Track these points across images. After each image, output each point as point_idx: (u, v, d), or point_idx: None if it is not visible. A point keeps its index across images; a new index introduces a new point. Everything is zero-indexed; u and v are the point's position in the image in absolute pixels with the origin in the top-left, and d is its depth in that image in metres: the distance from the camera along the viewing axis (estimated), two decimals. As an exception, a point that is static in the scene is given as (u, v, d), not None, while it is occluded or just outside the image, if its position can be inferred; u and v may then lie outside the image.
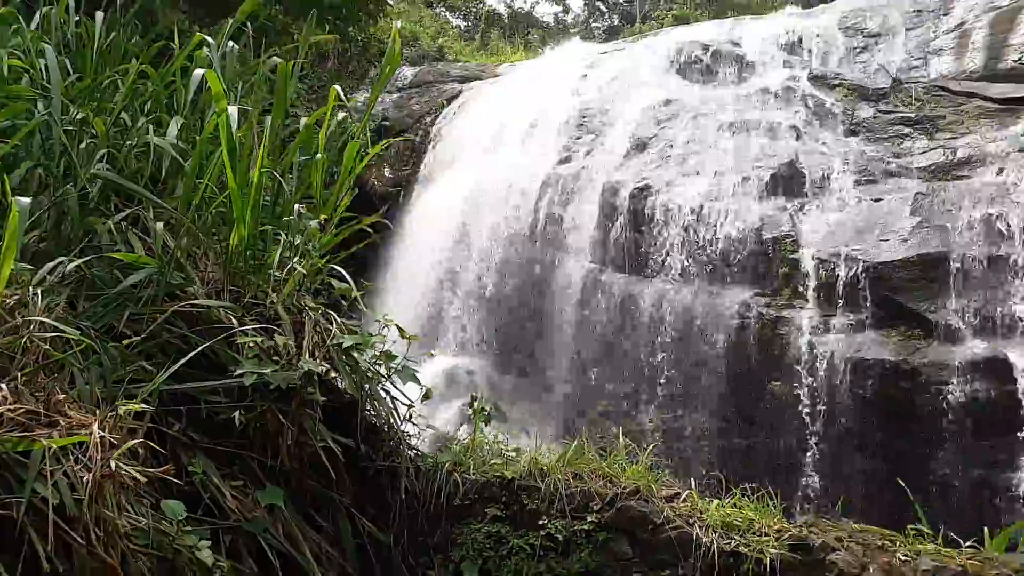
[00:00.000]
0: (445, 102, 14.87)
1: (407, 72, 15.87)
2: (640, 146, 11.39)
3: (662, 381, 9.51)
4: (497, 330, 11.34)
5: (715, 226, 9.85)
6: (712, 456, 8.95)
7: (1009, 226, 8.33)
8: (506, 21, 25.01)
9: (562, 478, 3.62)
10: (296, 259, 3.64)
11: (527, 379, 11.00)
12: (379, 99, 15.34)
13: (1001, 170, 8.99)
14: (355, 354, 3.56)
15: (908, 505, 7.79)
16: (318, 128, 3.89)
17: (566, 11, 31.10)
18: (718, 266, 9.70)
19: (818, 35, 12.50)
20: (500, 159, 12.67)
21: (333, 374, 3.47)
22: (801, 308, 8.96)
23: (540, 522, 3.59)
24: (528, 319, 11.17)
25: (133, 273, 3.42)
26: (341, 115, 3.79)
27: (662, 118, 11.62)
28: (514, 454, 3.86)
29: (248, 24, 4.58)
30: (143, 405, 2.98)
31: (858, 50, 12.14)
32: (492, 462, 3.83)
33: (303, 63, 14.21)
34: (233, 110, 3.44)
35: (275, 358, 3.49)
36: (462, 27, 23.57)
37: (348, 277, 3.73)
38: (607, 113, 12.30)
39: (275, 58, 3.73)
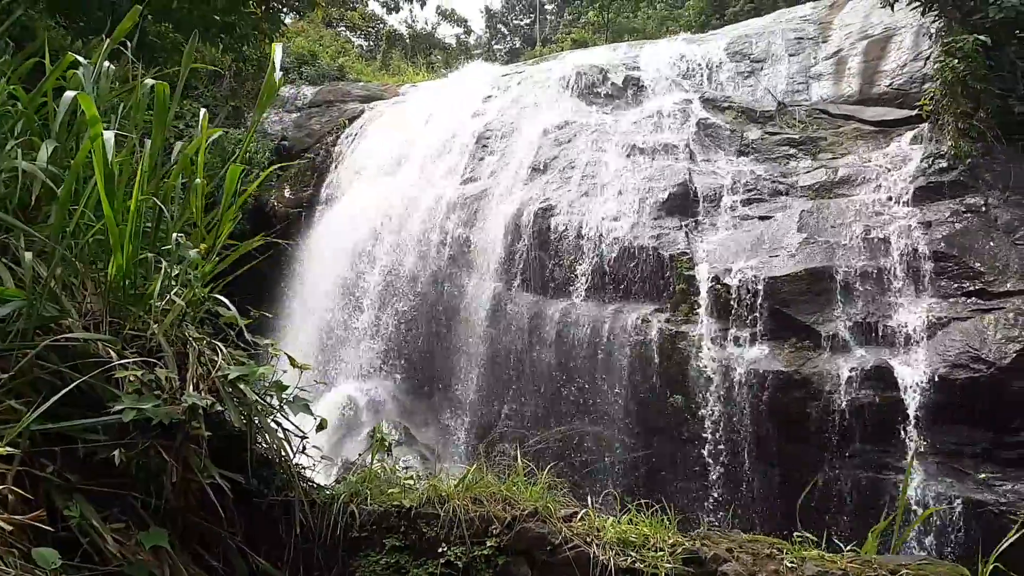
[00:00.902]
0: (347, 121, 14.73)
1: (307, 91, 15.66)
2: (542, 167, 11.57)
3: (568, 398, 9.62)
4: (405, 352, 11.23)
5: (615, 244, 10.07)
6: (618, 470, 9.09)
7: (887, 240, 8.85)
8: (408, 42, 25.03)
9: (461, 504, 3.59)
10: (177, 288, 3.49)
11: (436, 401, 10.92)
12: (279, 118, 15.06)
13: (878, 188, 9.56)
14: (242, 386, 3.43)
15: (804, 510, 8.15)
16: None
17: (468, 33, 31.41)
18: (619, 283, 9.91)
19: (708, 60, 13.04)
20: (404, 179, 12.63)
21: (219, 407, 3.34)
22: (698, 323, 9.23)
23: (440, 550, 3.54)
24: (436, 340, 11.11)
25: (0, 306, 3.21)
26: (216, 134, 3.65)
27: (563, 140, 11.85)
28: (412, 482, 3.81)
29: (128, 42, 4.38)
30: (9, 448, 2.78)
31: (745, 74, 12.74)
32: (390, 491, 3.77)
33: (197, 82, 13.73)
34: (109, 134, 3.29)
35: (157, 392, 3.33)
36: (363, 47, 23.42)
37: (231, 306, 3.60)
38: (510, 135, 12.45)
39: (149, 80, 3.58)
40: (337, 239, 12.23)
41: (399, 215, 11.85)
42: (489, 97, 13.82)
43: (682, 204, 10.24)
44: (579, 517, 3.61)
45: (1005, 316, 7.85)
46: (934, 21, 10.14)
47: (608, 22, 23.85)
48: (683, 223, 10.06)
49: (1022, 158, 8.93)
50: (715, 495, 8.57)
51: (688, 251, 9.68)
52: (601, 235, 10.22)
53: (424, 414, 10.94)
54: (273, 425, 3.68)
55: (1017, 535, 4.56)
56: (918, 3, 9.95)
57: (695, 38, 14.51)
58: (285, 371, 3.63)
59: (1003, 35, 9.15)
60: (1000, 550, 4.22)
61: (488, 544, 3.53)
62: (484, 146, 12.46)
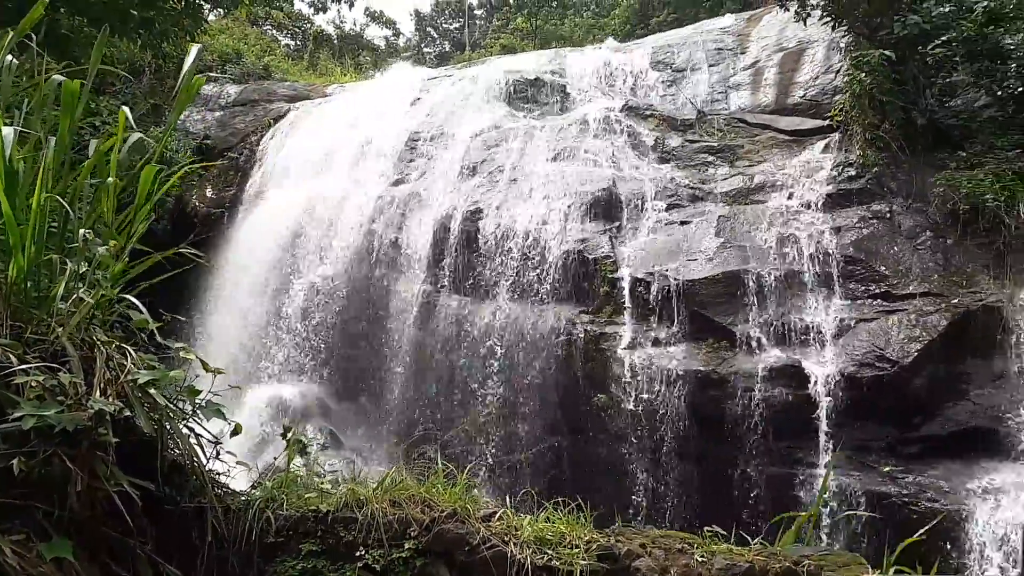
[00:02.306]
0: (272, 121, 14.47)
1: (231, 90, 15.31)
2: (471, 170, 11.61)
3: (494, 399, 9.67)
4: (332, 354, 11.09)
5: (542, 248, 10.19)
6: (542, 470, 9.19)
7: (799, 245, 9.22)
8: (336, 42, 24.73)
9: (380, 507, 3.59)
10: (84, 289, 3.38)
11: (363, 403, 10.83)
12: (201, 117, 14.68)
13: (791, 195, 9.95)
14: (152, 390, 3.35)
15: (721, 505, 8.42)
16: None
17: (397, 35, 31.24)
18: (545, 285, 10.02)
19: (632, 69, 13.33)
20: (331, 180, 12.48)
21: (128, 413, 3.25)
22: (621, 324, 9.42)
23: (357, 553, 3.53)
24: (364, 342, 11.01)
25: None
26: (134, 137, 3.57)
27: (491, 143, 11.92)
28: (330, 486, 3.79)
29: (35, 35, 4.22)
30: None
31: (667, 83, 13.08)
32: (307, 496, 3.74)
33: (115, 79, 13.24)
34: (8, 130, 3.17)
35: (60, 398, 3.22)
36: (290, 46, 23.03)
37: (143, 308, 3.51)
38: (439, 138, 12.45)
39: (57, 76, 3.47)
40: (261, 240, 11.99)
41: (326, 216, 11.71)
42: (418, 100, 13.79)
43: (606, 209, 10.43)
44: (497, 517, 3.66)
45: (907, 317, 8.29)
46: (844, 36, 10.63)
47: (536, 28, 24.09)
48: (607, 227, 10.25)
49: (924, 168, 9.42)
50: (636, 492, 8.77)
51: (612, 255, 9.87)
52: (528, 238, 10.33)
53: (351, 417, 10.83)
54: (185, 430, 3.61)
55: (926, 531, 4.81)
56: (829, 18, 10.41)
57: (620, 47, 14.81)
58: (199, 376, 3.57)
59: (907, 51, 9.65)
60: (906, 544, 4.45)
61: (406, 546, 3.54)
62: (413, 148, 12.43)
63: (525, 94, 13.03)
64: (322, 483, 3.77)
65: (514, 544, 3.50)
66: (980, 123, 9.66)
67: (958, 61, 9.64)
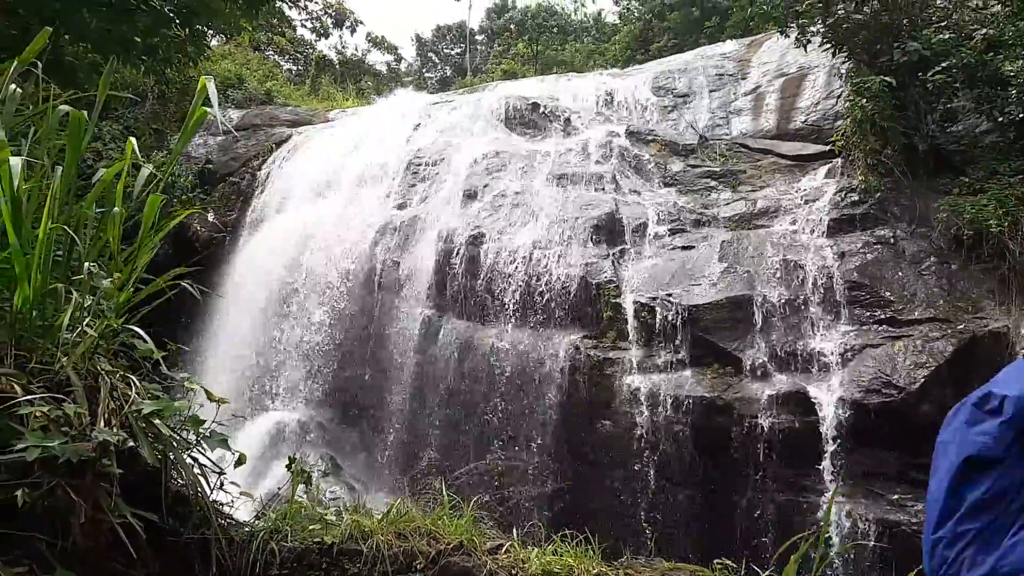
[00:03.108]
0: (274, 146, 14.53)
1: (233, 115, 15.39)
2: (473, 195, 11.63)
3: (497, 425, 9.60)
4: (334, 380, 11.03)
5: (545, 272, 10.17)
6: (547, 498, 9.10)
7: (804, 270, 9.21)
8: (338, 67, 24.92)
9: (385, 539, 3.53)
10: (89, 319, 3.36)
11: (365, 429, 10.75)
12: (203, 142, 14.74)
13: (794, 220, 9.95)
14: (156, 421, 3.32)
15: (728, 534, 8.32)
16: (117, 179, 3.65)
17: (398, 60, 31.50)
18: (549, 310, 9.99)
19: (633, 94, 13.41)
20: (333, 204, 12.50)
21: (132, 443, 3.21)
22: (625, 349, 9.37)
23: (363, 586, 3.48)
24: (367, 368, 10.96)
25: None
26: (145, 172, 3.56)
27: (493, 168, 11.95)
28: (334, 518, 3.73)
29: (39, 62, 4.23)
30: None
31: (669, 108, 13.15)
32: (311, 527, 3.68)
33: (118, 104, 13.32)
34: (16, 160, 3.16)
35: (65, 429, 3.19)
36: (292, 71, 23.21)
37: (147, 338, 3.49)
38: (440, 162, 12.49)
39: (63, 107, 3.47)
40: (263, 264, 11.98)
41: (327, 240, 11.71)
42: (420, 125, 13.85)
43: (609, 233, 10.43)
44: (504, 550, 3.60)
45: (913, 343, 8.24)
46: (844, 62, 10.70)
47: (537, 54, 24.30)
48: (610, 252, 10.24)
49: (926, 193, 9.44)
50: (641, 520, 8.66)
51: (615, 279, 9.85)
52: (531, 262, 10.31)
53: (352, 443, 10.75)
54: (189, 461, 3.56)
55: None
56: (829, 45, 10.48)
57: (621, 72, 14.91)
58: (202, 405, 3.53)
59: (907, 77, 9.71)
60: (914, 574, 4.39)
61: (412, 579, 3.48)
62: (415, 173, 12.46)
63: (526, 119, 13.09)
64: (325, 514, 3.71)
65: (522, 577, 3.45)
66: (982, 149, 9.69)
67: (958, 87, 9.70)
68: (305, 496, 4.41)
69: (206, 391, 3.61)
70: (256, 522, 3.83)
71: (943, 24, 9.60)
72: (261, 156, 14.32)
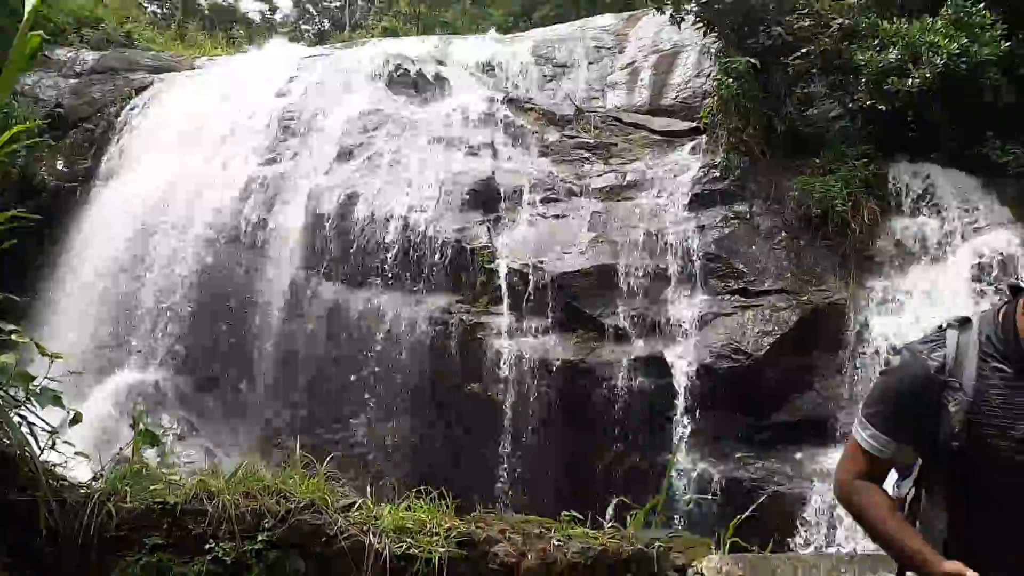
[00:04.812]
0: (134, 92, 13.57)
1: (88, 56, 14.25)
2: (347, 154, 11.34)
3: (367, 389, 9.53)
4: (194, 342, 10.56)
5: (420, 236, 10.10)
6: (415, 460, 9.14)
7: (666, 241, 9.60)
8: (207, 13, 23.44)
9: (231, 499, 3.45)
10: None
11: (226, 392, 10.39)
12: (53, 83, 13.63)
13: (660, 193, 10.32)
14: (-25, 375, 3.08)
15: (588, 492, 8.66)
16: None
17: (273, 10, 30.03)
18: (422, 274, 9.96)
19: (515, 61, 13.41)
20: (197, 157, 11.86)
21: (-54, 400, 2.98)
22: (497, 314, 9.50)
23: (207, 546, 3.39)
24: (229, 329, 10.56)
25: None
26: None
27: (369, 127, 11.68)
28: (177, 478, 3.60)
29: None
30: None
31: (548, 78, 13.26)
32: (154, 488, 3.54)
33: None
34: None
35: None
36: (156, 14, 21.67)
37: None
38: (314, 118, 12.08)
39: None
40: (118, 217, 11.26)
41: (189, 195, 11.12)
42: (294, 78, 13.30)
43: (486, 199, 10.46)
44: (356, 507, 3.61)
45: (762, 312, 8.80)
46: (714, 42, 11.10)
47: (420, 14, 23.85)
48: (486, 218, 10.29)
49: (781, 172, 10.00)
50: (506, 480, 8.88)
51: (490, 245, 9.93)
52: (406, 225, 10.21)
53: (212, 407, 10.38)
54: (16, 419, 3.33)
55: (754, 509, 5.16)
56: (701, 24, 10.84)
57: (503, 38, 14.86)
58: (33, 360, 3.30)
59: (771, 60, 10.20)
60: (739, 520, 4.76)
61: (260, 538, 3.43)
62: (286, 128, 11.99)
63: (406, 79, 12.83)
64: (170, 474, 3.58)
65: (373, 534, 3.46)
66: (833, 133, 10.35)
67: (815, 73, 10.29)
68: (160, 460, 4.24)
69: (37, 345, 3.38)
70: (93, 483, 3.65)
71: (805, 11, 10.09)
72: (119, 103, 13.35)
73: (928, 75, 8.91)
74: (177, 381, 10.38)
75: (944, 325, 2.25)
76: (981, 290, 8.69)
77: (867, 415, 2.27)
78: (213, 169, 11.42)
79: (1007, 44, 9.10)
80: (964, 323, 2.23)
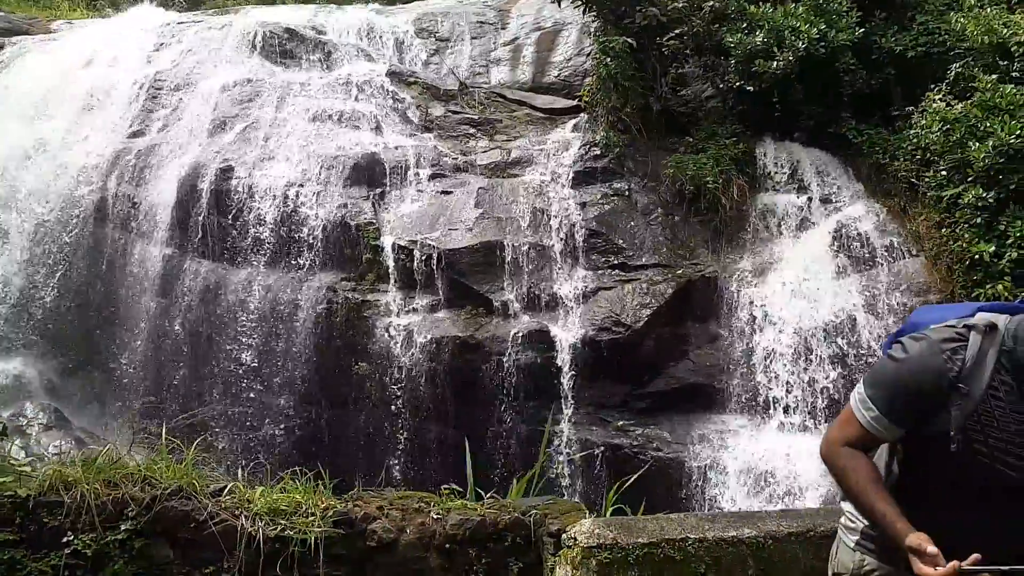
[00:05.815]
0: (-19, 57, 12.49)
1: (-76, 15, 12.99)
2: (221, 125, 10.87)
3: (247, 371, 9.26)
4: (57, 326, 9.94)
5: (301, 211, 9.84)
6: (300, 443, 8.98)
7: (549, 219, 9.75)
8: (66, -29, 21.71)
9: (90, 488, 3.30)
10: None
11: (96, 378, 9.86)
12: None
13: (544, 170, 10.46)
14: None
15: (477, 465, 8.77)
16: None
17: (141, -29, 28.13)
18: (305, 251, 9.72)
19: (396, 33, 13.19)
20: (55, 128, 11.08)
21: None
22: (384, 292, 9.41)
23: (64, 539, 3.23)
24: (97, 313, 9.99)
25: None
26: None
27: (244, 98, 11.23)
28: (28, 468, 3.41)
29: None
30: None
31: (432, 52, 13.11)
32: (3, 480, 3.33)
33: None
34: None
35: None
36: (6, -30, 19.89)
37: None
38: (185, 88, 11.50)
39: None
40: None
41: (48, 169, 10.38)
42: (163, 45, 12.60)
43: (370, 174, 10.28)
44: (228, 491, 3.52)
45: (640, 286, 9.11)
46: (594, 20, 11.28)
47: (300, -19, 22.96)
48: (371, 193, 10.13)
49: (658, 151, 10.34)
50: (395, 458, 8.87)
51: (375, 221, 9.79)
52: (287, 200, 9.91)
53: (82, 394, 9.85)
54: None
55: (637, 476, 5.39)
56: (580, 2, 10.98)
57: (384, 9, 14.55)
58: None
59: (647, 40, 10.46)
60: (623, 488, 4.96)
61: (123, 528, 3.30)
62: (155, 98, 11.36)
63: (284, 48, 12.37)
64: (19, 464, 3.37)
65: (245, 517, 3.39)
66: (705, 112, 10.77)
67: (688, 54, 10.64)
68: (24, 453, 3.98)
69: None
70: (-69, 480, 3.39)
71: (679, -8, 10.40)
72: (-38, 67, 12.26)
73: (791, 58, 9.41)
74: (41, 368, 9.79)
75: (971, 325, 2.24)
76: (840, 259, 9.34)
77: (872, 396, 2.29)
78: (73, 141, 10.70)
79: (861, 31, 9.72)
80: (991, 329, 2.23)
